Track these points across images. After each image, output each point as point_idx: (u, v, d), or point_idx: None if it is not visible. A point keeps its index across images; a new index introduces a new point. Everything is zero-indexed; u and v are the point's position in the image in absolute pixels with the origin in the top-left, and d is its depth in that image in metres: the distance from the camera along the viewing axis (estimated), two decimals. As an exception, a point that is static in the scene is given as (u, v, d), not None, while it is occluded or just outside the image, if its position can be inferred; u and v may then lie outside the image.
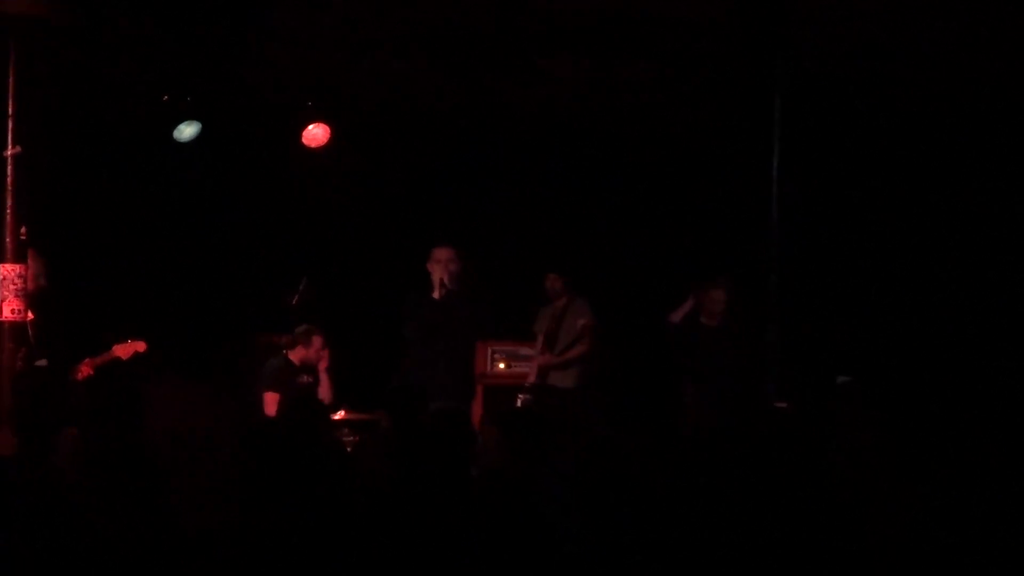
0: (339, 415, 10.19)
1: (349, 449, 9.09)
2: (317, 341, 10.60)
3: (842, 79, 10.51)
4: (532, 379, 11.49)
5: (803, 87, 9.61)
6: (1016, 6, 8.98)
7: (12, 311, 8.87)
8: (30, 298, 8.99)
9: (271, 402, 10.25)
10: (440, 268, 10.42)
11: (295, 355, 10.61)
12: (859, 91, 10.79)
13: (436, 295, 10.41)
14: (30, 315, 9.01)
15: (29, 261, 8.94)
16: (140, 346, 9.91)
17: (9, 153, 8.86)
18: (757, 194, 9.30)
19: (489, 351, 12.10)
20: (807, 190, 10.30)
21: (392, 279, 11.57)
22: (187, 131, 11.30)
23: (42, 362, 9.18)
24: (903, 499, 5.94)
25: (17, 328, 8.89)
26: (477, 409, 11.45)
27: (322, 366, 10.65)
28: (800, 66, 9.47)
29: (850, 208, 11.81)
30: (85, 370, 9.62)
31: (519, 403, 11.23)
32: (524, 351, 12.09)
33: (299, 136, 11.55)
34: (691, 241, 12.12)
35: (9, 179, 8.85)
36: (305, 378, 10.54)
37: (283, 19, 9.62)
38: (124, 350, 9.85)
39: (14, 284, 8.87)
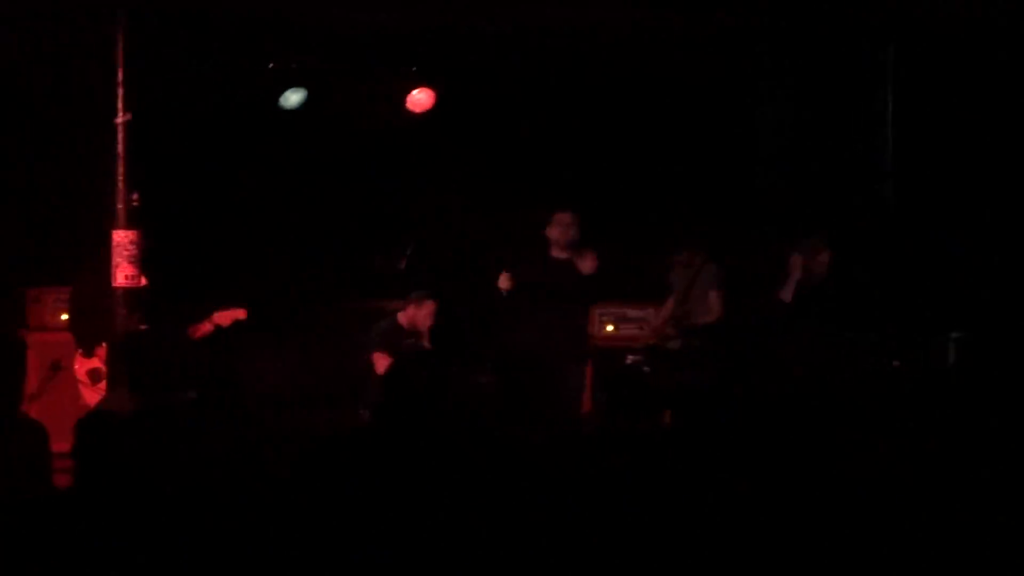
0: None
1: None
2: (428, 306, 10.69)
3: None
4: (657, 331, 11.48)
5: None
6: None
7: (125, 277, 8.99)
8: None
9: (380, 362, 10.30)
10: (560, 231, 10.32)
11: (404, 317, 10.72)
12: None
13: (554, 256, 10.33)
14: (143, 280, 9.11)
15: None
16: (240, 313, 9.93)
17: (120, 120, 8.97)
18: (868, 142, 9.08)
19: (597, 314, 12.05)
20: (922, 137, 9.99)
21: (500, 244, 11.55)
22: (293, 98, 11.38)
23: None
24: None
25: (131, 294, 9.01)
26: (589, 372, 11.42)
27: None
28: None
29: (966, 167, 11.33)
30: (205, 327, 9.69)
31: (628, 361, 11.22)
32: (631, 313, 12.08)
33: (403, 101, 11.58)
34: (790, 196, 11.92)
35: (120, 146, 8.98)
36: (411, 340, 10.61)
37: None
38: (224, 317, 9.88)
39: (127, 250, 8.98)
